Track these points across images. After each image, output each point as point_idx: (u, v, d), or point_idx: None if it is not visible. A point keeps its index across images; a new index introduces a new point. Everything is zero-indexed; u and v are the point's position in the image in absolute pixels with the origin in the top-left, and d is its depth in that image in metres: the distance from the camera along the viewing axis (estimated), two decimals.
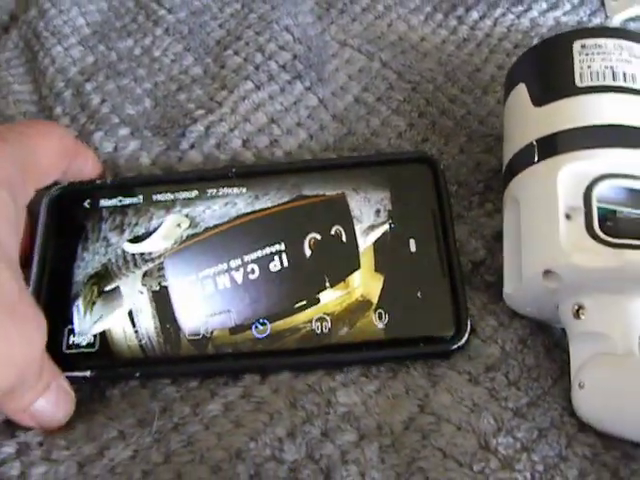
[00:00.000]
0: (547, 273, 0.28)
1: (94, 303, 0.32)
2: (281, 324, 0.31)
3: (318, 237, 0.33)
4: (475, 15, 0.43)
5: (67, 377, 0.31)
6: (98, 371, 0.31)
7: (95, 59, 0.42)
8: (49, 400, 0.29)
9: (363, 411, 0.29)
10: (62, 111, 0.40)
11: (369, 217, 0.33)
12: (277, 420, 0.29)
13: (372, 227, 0.33)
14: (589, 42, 0.30)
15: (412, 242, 0.33)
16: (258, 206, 0.34)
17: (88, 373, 0.31)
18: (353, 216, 0.33)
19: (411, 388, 0.30)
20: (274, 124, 0.38)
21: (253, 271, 0.32)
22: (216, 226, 0.33)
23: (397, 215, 0.33)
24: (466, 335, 0.30)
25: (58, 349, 0.31)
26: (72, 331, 0.32)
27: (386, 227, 0.33)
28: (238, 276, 0.32)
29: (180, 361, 0.31)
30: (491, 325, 0.32)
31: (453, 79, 0.40)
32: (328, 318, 0.31)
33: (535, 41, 0.41)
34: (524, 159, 0.30)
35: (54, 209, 0.35)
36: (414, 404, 0.30)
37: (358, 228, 0.33)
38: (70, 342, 0.31)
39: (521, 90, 0.32)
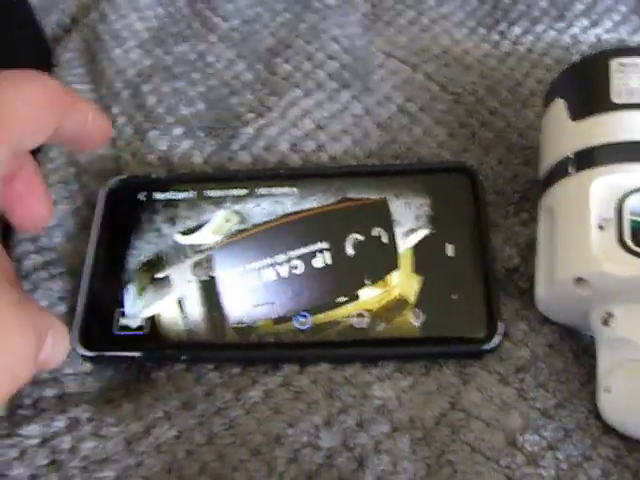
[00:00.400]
0: (578, 280, 0.29)
1: (145, 289, 0.34)
2: (322, 317, 0.33)
3: (360, 238, 0.34)
4: (517, 30, 0.44)
5: (117, 357, 0.33)
6: (146, 353, 0.33)
7: (152, 62, 0.44)
8: (47, 348, 0.26)
9: (397, 405, 0.31)
10: (119, 110, 0.42)
11: (409, 221, 0.35)
12: (314, 409, 0.31)
13: (412, 231, 0.34)
14: (627, 60, 0.32)
15: (450, 247, 0.34)
16: (304, 206, 0.36)
17: (137, 354, 0.33)
18: (394, 220, 0.35)
19: (443, 385, 0.31)
20: (320, 130, 0.40)
21: (297, 266, 0.34)
22: (264, 223, 0.35)
23: (436, 221, 0.35)
24: (498, 337, 0.32)
25: (109, 330, 0.33)
26: (123, 314, 0.34)
27: (425, 231, 0.34)
28: (283, 270, 0.34)
29: (224, 348, 0.33)
30: (522, 329, 0.33)
31: (494, 92, 0.41)
32: (367, 314, 0.33)
33: (575, 57, 0.42)
34: (560, 170, 0.32)
35: (110, 200, 0.37)
36: (445, 400, 0.31)
37: (398, 231, 0.35)
38: (121, 324, 0.33)
39: (560, 104, 0.33)
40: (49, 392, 0.32)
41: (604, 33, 0.44)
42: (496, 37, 0.44)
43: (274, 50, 0.44)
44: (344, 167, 0.38)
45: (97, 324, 0.33)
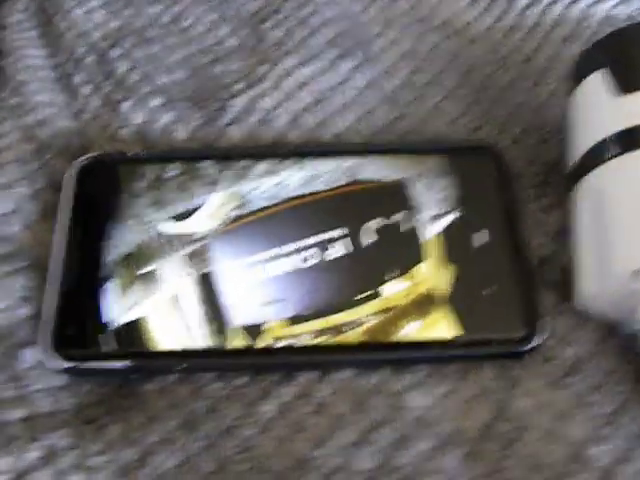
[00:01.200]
0: (636, 273, 0.26)
1: (129, 287, 0.29)
2: (340, 317, 0.28)
3: (377, 225, 0.30)
4: (522, 3, 0.41)
5: (99, 369, 0.27)
6: (134, 362, 0.27)
7: (120, 24, 0.38)
8: None
9: (436, 416, 0.27)
10: (83, 79, 0.36)
11: (432, 206, 0.31)
12: (342, 425, 0.26)
13: (436, 217, 0.30)
14: None
15: (480, 234, 0.30)
16: (311, 189, 0.31)
17: (123, 364, 0.27)
18: (414, 204, 0.31)
19: (485, 391, 0.28)
20: (320, 104, 0.35)
21: (308, 258, 0.29)
22: (266, 208, 0.30)
23: (463, 205, 0.31)
24: (540, 335, 0.28)
25: (88, 336, 0.28)
26: (103, 316, 0.28)
27: (451, 217, 0.30)
28: (292, 263, 0.29)
29: (228, 354, 0.28)
30: (564, 325, 0.29)
31: (504, 67, 0.38)
32: (392, 312, 0.28)
33: (587, 33, 0.39)
34: (608, 150, 0.28)
35: (80, 182, 0.31)
36: (490, 408, 0.27)
37: (421, 217, 0.30)
38: (102, 329, 0.28)
39: (599, 77, 0.30)
40: (15, 414, 0.26)
41: (613, 8, 0.41)
42: (498, 10, 0.41)
43: (260, 14, 0.39)
44: (355, 144, 0.34)
45: (72, 329, 0.28)
